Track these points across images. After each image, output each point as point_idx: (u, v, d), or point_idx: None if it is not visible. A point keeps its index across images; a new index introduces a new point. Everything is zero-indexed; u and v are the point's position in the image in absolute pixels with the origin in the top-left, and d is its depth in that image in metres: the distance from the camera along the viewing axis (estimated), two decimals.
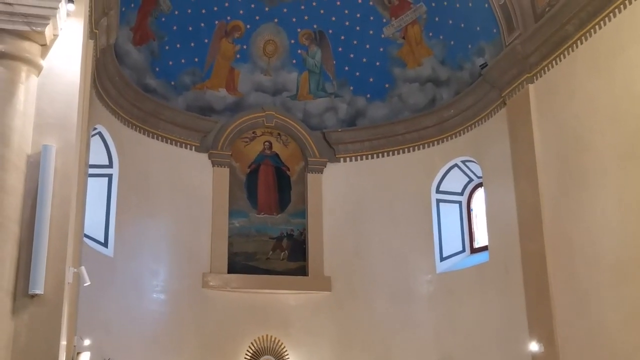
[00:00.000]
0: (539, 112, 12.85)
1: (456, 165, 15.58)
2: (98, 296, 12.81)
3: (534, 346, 12.31)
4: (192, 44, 15.66)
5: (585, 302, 11.35)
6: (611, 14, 11.04)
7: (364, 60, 16.28)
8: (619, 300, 10.61)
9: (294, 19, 16.21)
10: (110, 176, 14.04)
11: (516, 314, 13.00)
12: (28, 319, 6.15)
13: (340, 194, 16.12)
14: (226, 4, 15.77)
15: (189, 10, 15.41)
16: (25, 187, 6.25)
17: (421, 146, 15.91)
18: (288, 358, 14.98)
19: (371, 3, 15.92)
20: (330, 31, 16.27)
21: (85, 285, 8.77)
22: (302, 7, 16.07)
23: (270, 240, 15.87)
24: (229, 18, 15.92)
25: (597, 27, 11.36)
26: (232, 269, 15.31)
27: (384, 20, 15.99)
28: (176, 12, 15.25)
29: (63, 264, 6.31)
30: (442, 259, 15.34)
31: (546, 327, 12.22)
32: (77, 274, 7.81)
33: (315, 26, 16.27)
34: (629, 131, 10.64)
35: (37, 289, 6.09)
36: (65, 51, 6.95)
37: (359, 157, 16.35)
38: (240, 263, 15.49)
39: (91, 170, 12.87)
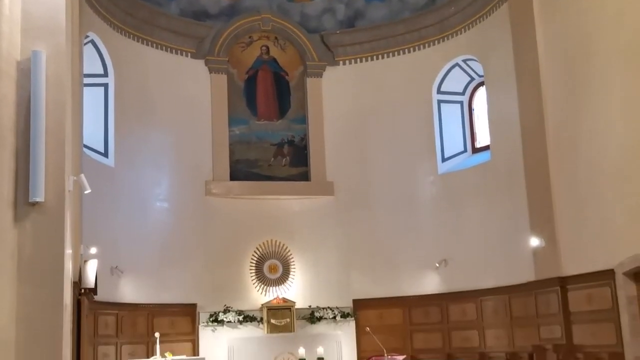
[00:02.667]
0: (543, 8, 12.50)
1: (457, 64, 15.35)
2: (101, 206, 12.91)
3: (534, 242, 12.45)
4: None
5: (587, 202, 11.38)
6: None
7: None
8: (621, 199, 10.62)
9: None
10: (106, 85, 13.88)
11: (518, 212, 13.10)
12: (31, 227, 6.15)
13: (341, 97, 15.94)
14: None
15: None
16: (17, 95, 6.12)
17: (421, 46, 15.63)
18: (293, 262, 15.21)
19: None
20: None
21: (86, 192, 8.77)
22: None
23: (271, 146, 15.83)
24: None
25: None
26: (234, 176, 15.34)
27: None
28: None
29: (62, 172, 6.26)
30: (443, 159, 15.34)
31: (548, 225, 12.32)
32: (77, 182, 7.79)
33: None
34: (636, 32, 10.33)
35: (38, 197, 6.06)
36: None
37: (358, 60, 16.08)
38: (242, 170, 15.51)
39: (86, 80, 12.70)
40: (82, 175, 8.12)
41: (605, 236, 10.98)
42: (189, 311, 14.37)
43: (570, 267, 11.80)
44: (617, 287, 10.70)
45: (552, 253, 12.17)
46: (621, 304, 10.60)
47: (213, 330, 14.18)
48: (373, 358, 9.30)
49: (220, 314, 14.29)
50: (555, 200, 12.20)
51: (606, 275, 10.89)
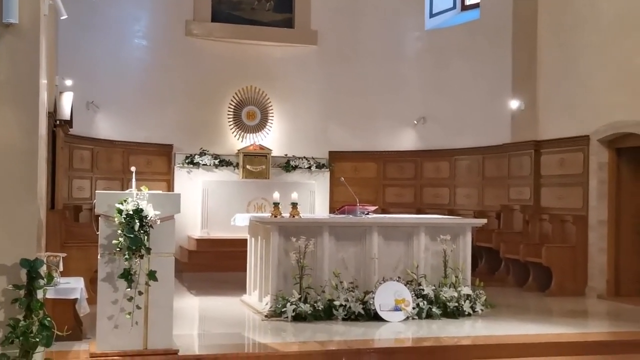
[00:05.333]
0: None
1: None
2: (78, 38, 12.58)
3: (514, 104, 12.49)
4: None
5: (571, 67, 11.35)
6: None
7: None
8: (604, 66, 10.59)
9: None
10: None
11: (502, 74, 13.03)
12: (5, 50, 5.95)
13: None
14: None
15: None
16: None
17: None
18: (272, 110, 15.12)
19: None
20: None
21: (62, 18, 8.46)
22: None
23: None
24: None
25: None
26: (216, 18, 14.91)
27: None
28: None
29: None
30: (431, 15, 14.98)
31: (529, 88, 12.33)
32: (53, 6, 7.48)
33: None
34: None
35: (12, 18, 5.82)
36: None
37: None
38: (225, 12, 15.04)
39: None
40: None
41: (584, 103, 11.04)
42: (165, 151, 14.42)
43: (547, 132, 11.94)
44: (590, 153, 10.89)
45: (530, 116, 12.25)
46: (592, 169, 10.84)
47: (188, 172, 14.31)
48: (345, 207, 9.45)
49: (197, 156, 14.36)
50: (540, 64, 12.15)
51: (581, 141, 11.06)
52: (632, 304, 9.76)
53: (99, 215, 6.19)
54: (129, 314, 6.03)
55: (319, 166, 15.07)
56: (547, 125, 11.94)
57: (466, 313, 8.54)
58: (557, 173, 11.62)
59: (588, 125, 10.89)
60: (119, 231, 6.00)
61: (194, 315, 9.05)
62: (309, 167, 15.00)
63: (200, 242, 13.60)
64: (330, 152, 15.31)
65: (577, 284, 10.76)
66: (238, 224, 9.62)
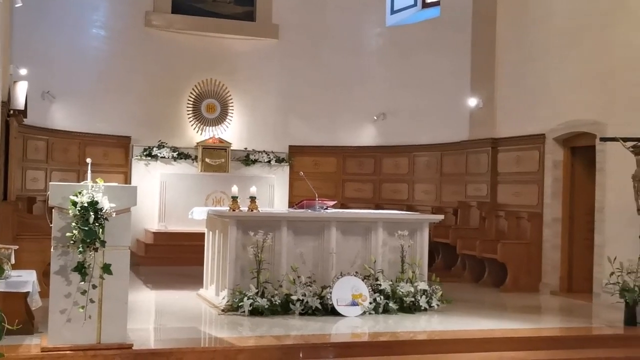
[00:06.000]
0: None
1: None
2: (35, 26, 12.35)
3: (473, 102, 12.63)
4: None
5: (529, 66, 11.51)
6: None
7: None
8: (561, 65, 10.76)
9: None
10: None
11: (461, 72, 13.16)
12: None
13: None
14: None
15: None
16: None
17: None
18: (232, 103, 15.03)
19: None
20: None
21: (17, 6, 8.28)
22: None
23: None
24: None
25: None
26: (176, 9, 14.74)
27: None
28: None
29: None
30: (392, 12, 15.05)
31: (488, 86, 12.49)
32: None
33: None
34: None
35: None
36: None
37: None
38: (186, 4, 14.88)
39: None
40: None
41: (540, 102, 11.22)
42: (122, 143, 14.23)
43: (504, 129, 12.11)
44: (545, 151, 11.07)
45: (488, 114, 12.41)
46: (547, 167, 11.03)
47: (146, 165, 14.14)
48: (304, 201, 9.44)
49: (155, 148, 14.20)
50: (498, 63, 12.31)
51: (537, 140, 11.23)
52: (584, 300, 9.95)
53: (52, 207, 6.07)
54: (82, 307, 5.94)
55: (279, 160, 15.04)
56: (505, 123, 12.10)
57: (422, 308, 8.61)
58: (514, 170, 11.79)
59: (544, 124, 11.07)
60: (73, 224, 5.90)
61: (150, 309, 8.96)
62: (269, 161, 14.95)
63: (157, 235, 13.46)
64: (291, 147, 15.28)
65: (532, 280, 10.94)
66: (196, 218, 9.54)
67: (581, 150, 10.69)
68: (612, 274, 8.25)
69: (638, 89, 8.87)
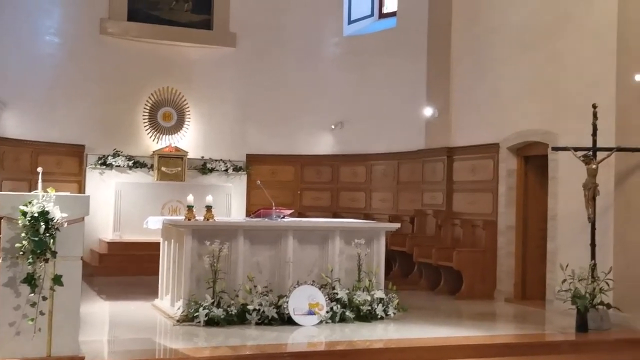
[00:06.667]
0: None
1: None
2: None
3: (428, 111, 12.77)
4: None
5: (483, 76, 11.70)
6: None
7: None
8: (515, 76, 10.95)
9: None
10: None
11: (417, 82, 13.29)
12: None
13: None
14: None
15: None
16: None
17: None
18: (189, 111, 14.93)
19: None
20: None
21: None
22: None
23: None
24: None
25: None
26: (132, 17, 14.60)
27: None
28: None
29: None
30: (350, 22, 15.15)
31: (443, 95, 12.63)
32: None
33: None
34: None
35: None
36: None
37: None
38: (142, 11, 14.75)
39: None
40: None
41: (494, 111, 11.39)
42: (76, 152, 14.00)
43: (459, 138, 12.25)
44: (499, 160, 11.24)
45: (443, 123, 12.55)
46: (501, 175, 11.19)
47: (101, 173, 13.95)
48: (261, 210, 9.43)
49: (110, 157, 14.01)
50: (453, 73, 12.47)
51: (491, 149, 11.39)
52: (537, 306, 10.10)
53: (1, 218, 5.94)
54: (32, 320, 5.81)
55: (236, 169, 14.97)
56: (460, 132, 12.26)
57: (379, 316, 8.64)
58: (469, 179, 11.94)
59: (498, 133, 11.24)
60: (23, 234, 5.77)
61: (103, 320, 8.82)
62: (226, 170, 14.88)
63: (111, 245, 13.27)
64: (248, 155, 15.22)
65: (486, 287, 11.06)
66: (151, 227, 9.43)
67: (534, 159, 10.87)
68: (564, 281, 8.39)
69: (586, 98, 9.06)
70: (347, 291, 8.70)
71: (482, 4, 11.85)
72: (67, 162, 13.88)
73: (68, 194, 6.46)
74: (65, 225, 5.92)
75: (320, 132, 15.16)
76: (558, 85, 10.11)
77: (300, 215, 13.31)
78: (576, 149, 8.87)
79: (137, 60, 14.54)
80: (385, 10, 15.07)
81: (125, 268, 12.44)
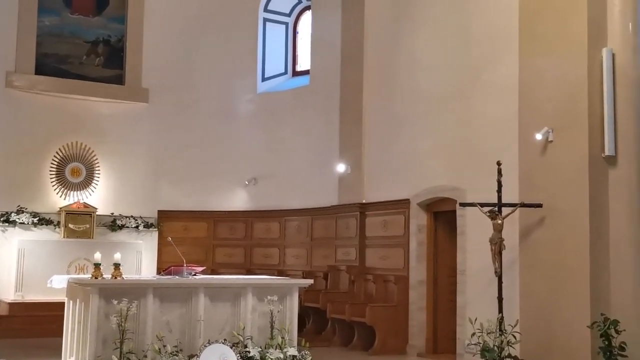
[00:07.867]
0: None
1: None
2: None
3: (341, 168, 12.93)
4: None
5: (395, 133, 11.97)
6: None
7: None
8: (425, 134, 11.26)
9: None
10: None
11: (330, 138, 13.49)
12: None
13: (164, 2, 15.23)
14: None
15: None
16: None
17: None
18: (98, 167, 14.60)
19: None
20: None
21: None
22: None
23: (84, 43, 14.90)
24: None
25: None
26: (40, 71, 14.30)
27: None
28: None
29: None
30: (263, 79, 15.31)
31: (355, 152, 12.85)
32: None
33: None
34: None
35: None
36: None
37: None
38: (50, 65, 14.48)
39: None
40: None
41: (405, 168, 11.66)
42: None
43: (371, 194, 12.45)
44: (410, 215, 11.44)
45: (356, 180, 12.74)
46: (412, 231, 11.38)
47: (3, 231, 13.38)
48: (172, 268, 9.24)
49: (13, 214, 13.48)
50: (366, 129, 12.74)
51: (402, 205, 11.60)
52: None
53: None
54: None
55: (147, 225, 14.66)
56: (372, 188, 12.46)
57: None
58: (381, 234, 12.09)
59: (409, 189, 11.47)
60: None
61: None
62: (137, 227, 14.55)
63: (13, 305, 12.66)
64: (160, 211, 14.95)
65: (399, 342, 11.12)
66: (55, 286, 9.08)
67: (443, 215, 11.13)
68: (473, 334, 8.52)
69: (493, 156, 9.37)
70: (259, 349, 8.56)
71: (392, 65, 12.21)
72: None
73: None
74: None
75: (234, 188, 15.09)
76: (466, 143, 10.45)
77: (213, 272, 13.12)
78: (482, 205, 9.12)
79: (44, 115, 14.18)
80: (298, 68, 15.33)
81: (28, 330, 11.91)
